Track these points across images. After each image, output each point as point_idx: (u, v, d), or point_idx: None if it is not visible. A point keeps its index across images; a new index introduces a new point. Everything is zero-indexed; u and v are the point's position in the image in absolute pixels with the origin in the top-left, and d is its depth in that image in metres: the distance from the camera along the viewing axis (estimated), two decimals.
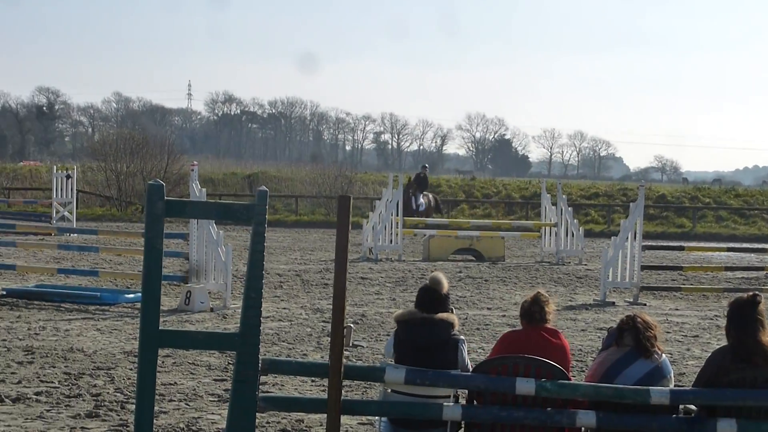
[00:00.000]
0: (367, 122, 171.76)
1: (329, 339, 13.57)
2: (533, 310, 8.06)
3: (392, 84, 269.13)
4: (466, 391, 7.79)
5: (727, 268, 24.53)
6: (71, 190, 37.76)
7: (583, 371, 12.36)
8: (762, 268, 25.53)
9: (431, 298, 8.09)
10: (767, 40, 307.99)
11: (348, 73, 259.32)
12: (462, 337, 8.00)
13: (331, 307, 15.86)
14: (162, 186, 6.92)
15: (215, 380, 11.61)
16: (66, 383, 11.20)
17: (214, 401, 10.55)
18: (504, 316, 17.18)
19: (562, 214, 29.77)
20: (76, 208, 38.83)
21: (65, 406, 10.14)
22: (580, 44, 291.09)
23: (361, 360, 13.06)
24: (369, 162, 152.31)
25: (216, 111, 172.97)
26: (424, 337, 7.81)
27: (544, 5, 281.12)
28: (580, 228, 30.45)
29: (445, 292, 8.15)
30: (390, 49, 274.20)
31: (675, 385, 7.89)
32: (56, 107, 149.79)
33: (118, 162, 50.83)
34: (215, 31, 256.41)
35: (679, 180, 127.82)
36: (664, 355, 7.74)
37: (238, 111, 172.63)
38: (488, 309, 18.46)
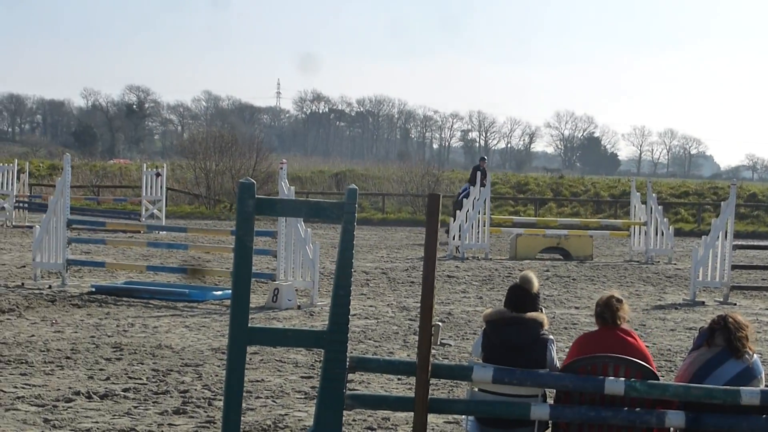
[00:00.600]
0: (454, 120, 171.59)
1: (416, 337, 13.63)
2: (605, 314, 7.96)
3: (481, 81, 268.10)
4: (554, 391, 7.76)
5: None
6: (161, 187, 38.28)
7: (672, 371, 12.24)
8: None
9: (521, 297, 8.06)
10: None
11: (436, 70, 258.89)
12: (551, 336, 7.95)
13: (417, 305, 15.86)
14: (253, 184, 6.97)
15: (302, 377, 11.69)
16: (154, 380, 11.34)
17: (300, 398, 10.62)
18: (592, 315, 16.97)
19: (651, 212, 29.47)
20: (165, 205, 39.33)
21: (153, 402, 10.25)
22: (670, 40, 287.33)
23: (447, 358, 13.06)
24: (456, 160, 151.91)
25: (304, 109, 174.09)
26: (513, 337, 7.78)
27: (631, 1, 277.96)
28: (670, 227, 30.11)
29: (536, 291, 8.11)
30: (477, 46, 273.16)
31: (766, 386, 7.78)
32: (146, 105, 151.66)
33: (207, 160, 51.45)
34: (308, 32, 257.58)
35: None
36: (755, 355, 7.64)
37: (326, 109, 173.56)
38: (576, 308, 18.36)
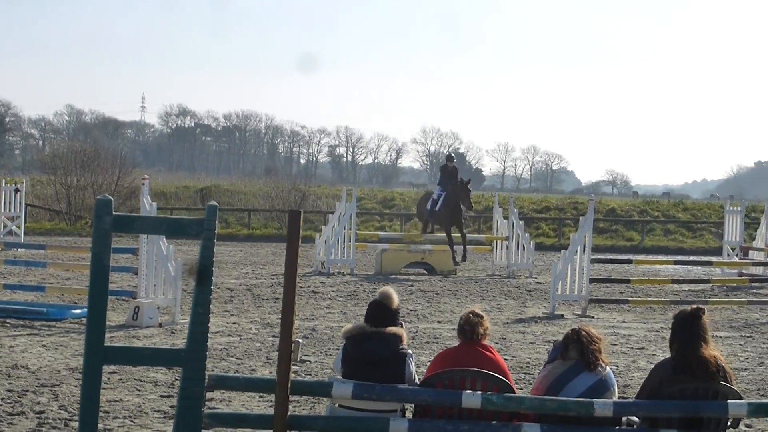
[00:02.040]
0: (322, 135, 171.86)
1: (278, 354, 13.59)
2: (465, 329, 8.11)
3: (348, 97, 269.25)
4: (413, 405, 7.83)
5: (674, 281, 24.75)
6: (20, 203, 37.36)
7: (532, 384, 12.44)
8: (708, 281, 25.77)
9: (381, 312, 8.13)
10: (719, 57, 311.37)
11: (303, 86, 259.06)
12: (410, 351, 8.04)
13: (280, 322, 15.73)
14: (110, 201, 6.88)
15: (161, 396, 11.56)
16: (9, 401, 11.08)
17: (159, 418, 10.50)
18: (455, 329, 17.11)
19: (513, 227, 29.92)
20: (25, 222, 38.44)
21: (8, 424, 10.02)
22: (534, 58, 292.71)
23: (310, 375, 13.06)
24: (324, 175, 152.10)
25: (170, 124, 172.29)
26: (372, 352, 7.83)
27: (496, 20, 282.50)
28: (531, 241, 30.61)
29: (395, 306, 8.18)
30: (345, 62, 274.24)
31: (620, 397, 7.96)
32: (7, 120, 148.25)
33: (69, 175, 50.47)
34: (170, 44, 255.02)
35: (629, 193, 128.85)
36: (608, 367, 7.82)
37: (192, 124, 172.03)
38: (439, 322, 18.52)
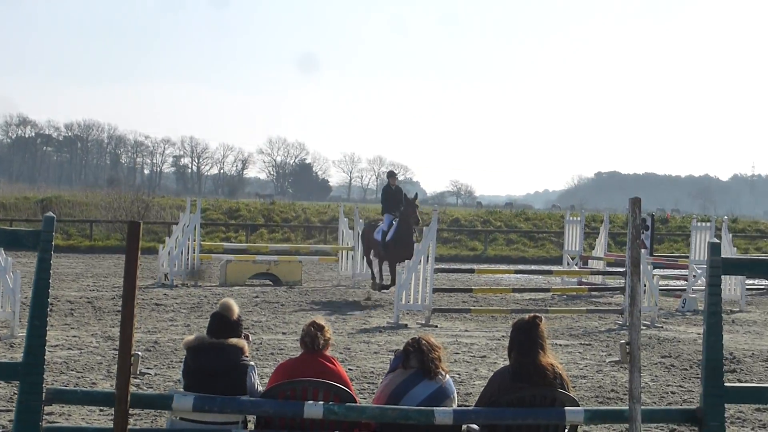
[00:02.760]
0: (166, 146, 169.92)
1: None
2: (306, 340, 8.16)
3: (193, 107, 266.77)
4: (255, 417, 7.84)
5: (515, 290, 25.24)
6: None
7: (373, 393, 12.55)
8: (548, 290, 26.36)
9: (221, 323, 8.10)
10: (559, 70, 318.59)
11: (147, 95, 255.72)
12: (252, 363, 8.03)
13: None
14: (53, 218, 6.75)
15: (0, 411, 11.31)
16: None
17: None
18: (299, 340, 17.19)
19: (358, 238, 30.08)
20: None
21: None
22: (381, 70, 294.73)
23: (152, 388, 12.92)
24: (168, 186, 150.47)
25: (9, 134, 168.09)
26: (213, 363, 7.80)
27: (338, 31, 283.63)
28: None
29: (236, 317, 8.17)
30: (190, 72, 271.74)
31: (461, 405, 8.09)
32: None
33: None
34: (6, 52, 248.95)
35: (473, 204, 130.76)
36: (447, 375, 7.95)
37: (33, 134, 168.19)
38: (284, 333, 18.51)
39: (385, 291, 25.85)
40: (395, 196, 26.30)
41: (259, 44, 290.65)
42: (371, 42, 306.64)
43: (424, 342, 7.92)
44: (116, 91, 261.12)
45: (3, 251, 17.56)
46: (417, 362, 7.84)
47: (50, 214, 7.20)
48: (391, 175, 27.54)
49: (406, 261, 21.73)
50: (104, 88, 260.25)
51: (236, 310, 8.19)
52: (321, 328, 8.17)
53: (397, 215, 25.43)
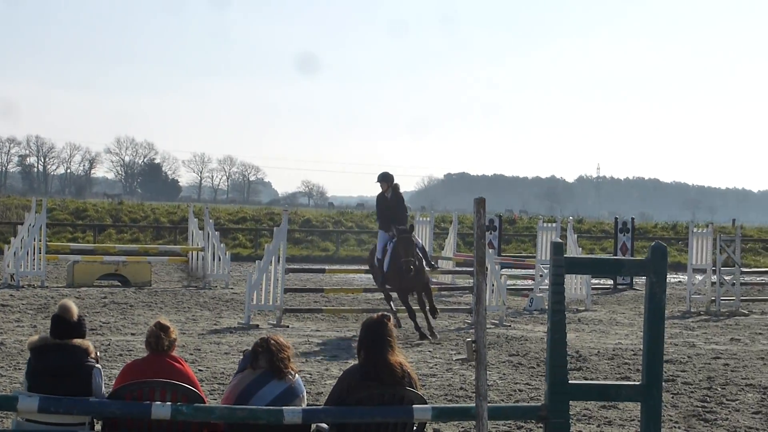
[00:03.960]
0: (11, 145, 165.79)
1: None
2: (151, 341, 8.10)
3: (39, 105, 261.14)
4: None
5: (366, 290, 25.40)
6: None
7: (221, 393, 12.51)
8: None
9: (62, 325, 7.96)
10: (389, 69, 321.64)
11: None
12: (98, 365, 7.92)
13: None
14: None
15: None
16: None
17: None
18: (144, 342, 17.01)
19: (209, 238, 29.91)
20: None
21: None
22: (231, 69, 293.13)
23: None
24: (14, 186, 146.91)
25: None
26: (57, 363, 7.68)
27: (180, 31, 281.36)
28: (228, 252, 30.69)
29: (76, 318, 8.02)
30: (37, 70, 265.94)
31: (311, 405, 8.14)
32: None
33: None
34: None
35: (325, 204, 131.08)
36: (297, 375, 7.99)
37: None
38: (132, 335, 18.29)
39: (429, 338, 18.99)
40: (392, 207, 20.24)
41: (100, 44, 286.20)
42: (196, 40, 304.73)
43: (272, 342, 7.94)
44: None
45: None
46: (266, 362, 7.85)
47: None
48: (383, 178, 20.36)
49: (257, 261, 21.49)
50: None
51: (75, 310, 8.03)
52: (165, 328, 8.12)
53: (394, 233, 19.65)
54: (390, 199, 20.40)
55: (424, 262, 20.11)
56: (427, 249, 31.37)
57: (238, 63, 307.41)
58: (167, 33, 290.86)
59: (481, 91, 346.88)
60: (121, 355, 15.76)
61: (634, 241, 35.88)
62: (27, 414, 7.47)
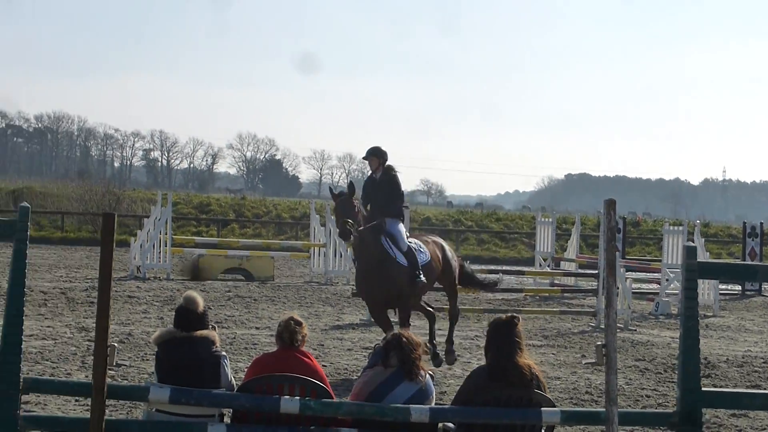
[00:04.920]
0: (136, 139, 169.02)
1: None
2: (284, 335, 8.12)
3: (162, 100, 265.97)
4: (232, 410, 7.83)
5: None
6: None
7: (350, 390, 12.55)
8: (521, 290, 26.40)
9: (187, 316, 8.05)
10: (522, 73, 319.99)
11: (117, 88, 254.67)
12: (224, 353, 8.01)
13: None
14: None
15: None
16: None
17: None
18: (273, 335, 17.10)
19: (330, 235, 30.06)
20: None
21: None
22: (351, 68, 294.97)
23: (126, 379, 12.89)
24: (138, 179, 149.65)
25: None
26: (185, 356, 7.76)
27: (313, 25, 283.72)
28: (348, 249, 30.80)
29: (201, 310, 8.10)
30: (160, 65, 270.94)
31: (436, 404, 8.11)
32: None
33: None
34: None
35: (444, 203, 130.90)
36: (427, 375, 7.94)
37: (3, 125, 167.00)
38: (257, 328, 18.49)
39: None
40: (376, 190, 15.53)
41: (228, 37, 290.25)
42: (338, 39, 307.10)
43: (404, 339, 7.88)
44: (85, 84, 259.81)
45: None
46: (398, 361, 7.80)
47: (25, 204, 7.19)
48: (373, 153, 15.75)
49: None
50: (73, 80, 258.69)
51: (200, 302, 8.12)
52: (299, 324, 8.14)
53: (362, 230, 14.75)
54: (379, 180, 15.53)
55: (394, 252, 14.75)
56: (548, 250, 31.06)
57: (354, 61, 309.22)
58: (291, 29, 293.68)
59: (605, 90, 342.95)
60: (246, 348, 15.92)
61: (762, 246, 35.03)
62: (158, 405, 7.56)
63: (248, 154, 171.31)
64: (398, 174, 15.77)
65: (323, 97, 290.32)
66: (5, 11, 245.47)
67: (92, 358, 13.74)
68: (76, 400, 11.16)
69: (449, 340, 15.83)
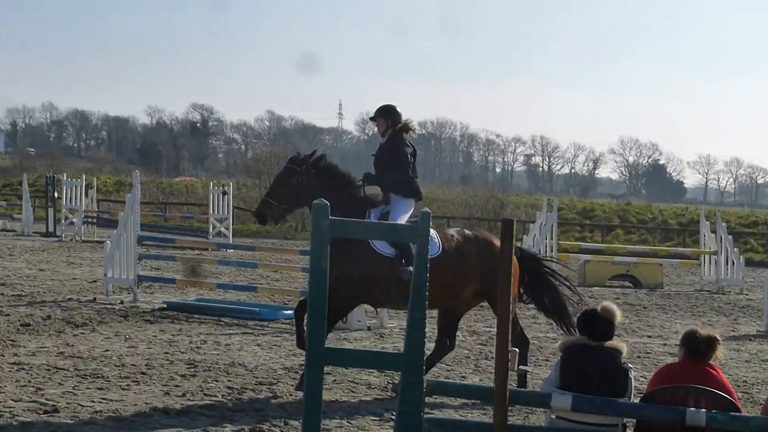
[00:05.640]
0: (517, 144, 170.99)
1: (487, 362, 13.52)
2: (701, 348, 7.76)
3: (544, 106, 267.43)
4: (634, 421, 7.63)
5: None
6: (227, 206, 38.32)
7: (750, 403, 12.04)
8: None
9: (603, 327, 7.94)
10: None
11: (498, 94, 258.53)
12: (631, 366, 7.86)
13: (487, 329, 15.69)
14: (326, 206, 6.90)
15: (376, 399, 11.59)
16: (229, 397, 11.30)
17: (375, 420, 10.50)
18: (665, 344, 16.73)
19: (721, 242, 29.09)
20: (232, 224, 39.41)
21: (229, 420, 10.18)
22: (738, 69, 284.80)
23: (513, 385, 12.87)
24: (520, 184, 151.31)
25: (366, 131, 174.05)
26: (593, 365, 7.68)
27: (695, 30, 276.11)
28: (741, 257, 29.70)
29: (618, 321, 8.02)
30: (539, 71, 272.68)
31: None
32: (210, 124, 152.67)
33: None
34: (364, 54, 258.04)
35: None
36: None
37: None
38: (648, 337, 18.09)
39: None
40: (379, 160, 12.61)
41: (609, 44, 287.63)
42: (723, 39, 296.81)
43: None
44: (467, 92, 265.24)
45: None
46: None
47: (426, 210, 7.29)
48: (381, 113, 12.54)
49: None
50: (455, 88, 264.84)
51: (619, 314, 8.03)
52: (719, 342, 7.82)
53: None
54: (384, 146, 12.53)
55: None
56: None
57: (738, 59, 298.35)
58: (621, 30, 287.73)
59: None
60: (639, 357, 15.55)
61: None
62: (560, 412, 7.48)
63: (630, 159, 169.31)
64: (406, 137, 12.43)
65: (709, 100, 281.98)
66: (399, 28, 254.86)
67: (485, 361, 13.99)
68: (473, 404, 11.22)
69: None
